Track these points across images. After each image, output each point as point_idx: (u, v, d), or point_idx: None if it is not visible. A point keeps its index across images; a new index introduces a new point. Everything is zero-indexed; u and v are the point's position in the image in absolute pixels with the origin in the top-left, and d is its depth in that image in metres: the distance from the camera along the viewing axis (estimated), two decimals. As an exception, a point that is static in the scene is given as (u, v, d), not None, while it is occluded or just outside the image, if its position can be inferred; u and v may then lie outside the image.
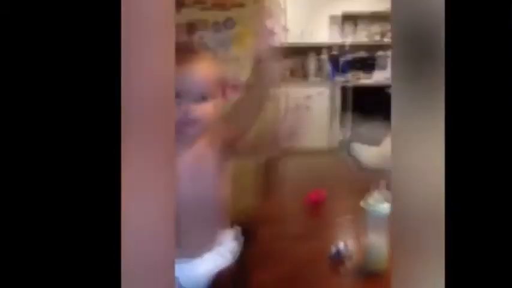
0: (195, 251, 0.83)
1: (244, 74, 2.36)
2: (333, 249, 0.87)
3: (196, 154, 0.81)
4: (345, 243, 0.86)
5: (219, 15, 2.12)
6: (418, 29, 0.46)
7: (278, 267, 0.85)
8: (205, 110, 0.76)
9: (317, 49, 4.34)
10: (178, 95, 0.73)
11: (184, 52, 0.76)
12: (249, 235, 0.96)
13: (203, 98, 0.75)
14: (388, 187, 0.78)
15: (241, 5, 2.11)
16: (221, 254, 0.86)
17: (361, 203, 0.81)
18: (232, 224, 0.93)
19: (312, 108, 4.05)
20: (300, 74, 4.39)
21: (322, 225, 1.06)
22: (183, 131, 0.75)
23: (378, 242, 0.79)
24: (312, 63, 4.35)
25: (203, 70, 0.77)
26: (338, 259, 0.86)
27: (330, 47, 4.30)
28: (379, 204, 0.77)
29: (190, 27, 2.14)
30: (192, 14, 2.12)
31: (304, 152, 3.59)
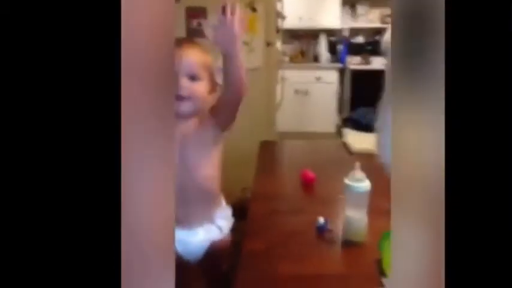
0: (192, 223, 0.96)
1: (253, 58, 2.42)
2: (319, 222, 0.97)
3: (185, 136, 0.92)
4: (326, 218, 0.97)
5: (216, 2, 2.19)
6: (418, 29, 0.46)
7: (269, 237, 0.96)
8: (195, 88, 0.87)
9: (314, 35, 4.35)
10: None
11: (179, 42, 0.88)
12: (243, 211, 1.07)
13: (192, 78, 0.87)
14: (362, 168, 0.88)
15: None
16: (215, 226, 0.99)
17: (344, 182, 0.92)
18: (226, 201, 1.05)
19: (313, 93, 4.09)
20: (301, 59, 4.42)
21: (312, 202, 1.17)
22: (176, 106, 0.87)
23: (356, 215, 0.89)
24: (320, 47, 4.38)
25: (193, 54, 0.89)
26: (323, 230, 0.96)
27: (336, 31, 4.31)
28: (356, 183, 0.87)
29: (189, 15, 2.21)
30: (190, 1, 2.19)
31: (303, 136, 3.67)
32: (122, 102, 0.43)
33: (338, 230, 0.95)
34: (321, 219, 0.98)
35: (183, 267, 1.00)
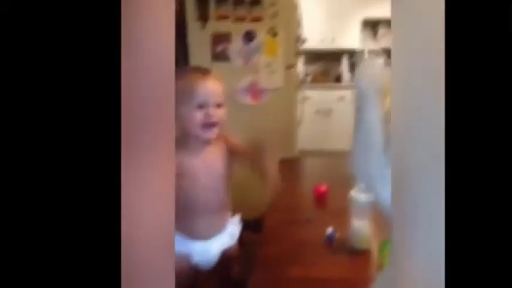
0: (207, 234, 1.07)
1: (274, 79, 2.55)
2: (327, 232, 1.06)
3: (208, 157, 1.05)
4: (333, 228, 1.05)
5: (241, 28, 2.34)
6: (418, 31, 0.46)
7: (282, 244, 1.06)
8: (221, 114, 1.00)
9: (336, 56, 4.46)
10: (200, 105, 0.97)
11: (201, 72, 1.01)
12: (259, 224, 1.18)
13: (218, 105, 0.99)
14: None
15: (259, 19, 2.33)
16: (226, 235, 1.09)
17: (348, 195, 1.01)
18: (234, 213, 1.16)
19: (335, 112, 4.16)
20: (323, 78, 4.53)
21: (323, 213, 1.26)
22: (206, 132, 0.99)
23: (360, 224, 0.98)
24: (342, 67, 4.48)
25: (216, 84, 1.01)
26: (331, 239, 1.05)
27: (357, 52, 4.41)
28: (359, 195, 0.96)
29: (215, 40, 2.37)
30: (215, 28, 2.35)
31: (324, 154, 3.73)
32: (122, 113, 0.43)
33: (345, 238, 1.04)
34: (330, 229, 1.07)
35: (198, 275, 1.10)
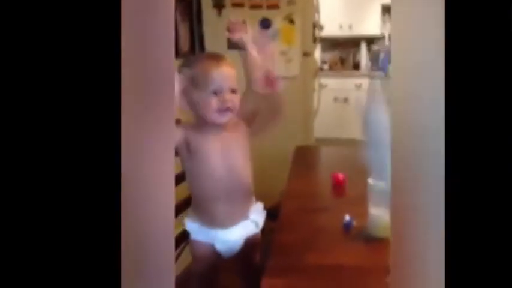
0: (229, 221, 1.07)
1: (290, 67, 2.53)
2: (345, 220, 1.05)
3: (226, 142, 1.04)
4: (351, 216, 1.04)
5: (257, 15, 2.32)
6: (417, 31, 0.46)
7: (298, 232, 1.05)
8: (235, 99, 0.99)
9: (355, 43, 4.38)
10: (216, 90, 0.97)
11: (216, 59, 1.00)
12: (277, 211, 1.17)
13: (233, 91, 0.99)
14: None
15: (276, 6, 2.30)
16: (250, 222, 1.09)
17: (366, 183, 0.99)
18: (265, 204, 1.16)
19: (353, 100, 4.10)
20: (341, 66, 4.46)
21: (340, 202, 1.24)
22: (221, 117, 0.99)
23: (378, 212, 0.97)
24: (360, 55, 4.41)
25: (230, 70, 1.01)
26: (349, 227, 1.04)
27: (377, 39, 4.32)
28: (377, 183, 0.95)
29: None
30: (231, 15, 2.34)
31: (341, 142, 3.70)
32: (122, 101, 0.44)
33: (363, 227, 1.02)
34: (347, 217, 1.05)
35: (218, 262, 1.11)
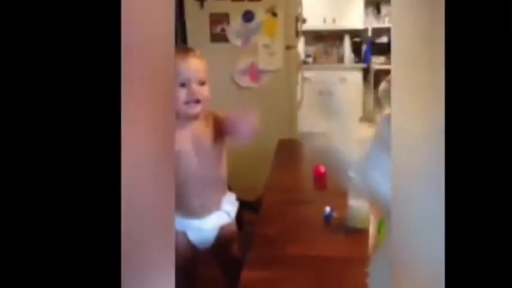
0: (202, 211, 1.07)
1: (273, 60, 2.51)
2: (325, 212, 1.06)
3: (197, 134, 1.04)
4: (331, 207, 1.05)
5: (239, 8, 2.30)
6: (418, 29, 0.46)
7: (280, 224, 1.06)
8: (204, 92, 0.99)
9: (338, 36, 4.40)
10: (184, 83, 0.97)
11: (183, 51, 1.00)
12: (258, 205, 1.18)
13: (201, 83, 0.99)
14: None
15: None
16: (223, 212, 1.10)
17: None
18: (240, 193, 1.16)
19: (337, 93, 4.11)
20: (325, 59, 4.48)
21: (321, 194, 1.25)
22: (190, 108, 0.99)
23: (358, 204, 0.98)
24: (344, 48, 4.43)
25: (199, 62, 1.01)
26: (329, 219, 1.05)
27: (360, 32, 4.34)
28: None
29: (213, 20, 2.33)
30: (213, 7, 2.31)
31: (322, 135, 3.71)
32: (122, 96, 0.44)
33: (343, 218, 1.04)
34: (328, 209, 1.06)
35: (195, 255, 1.11)
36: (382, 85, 0.63)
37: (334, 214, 1.06)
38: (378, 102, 0.69)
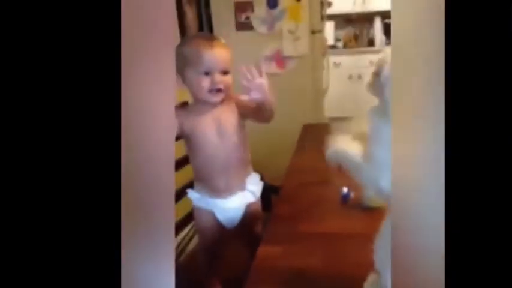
0: (227, 191, 1.12)
1: (299, 46, 2.52)
2: (342, 192, 1.09)
3: (219, 117, 1.09)
4: (348, 188, 1.08)
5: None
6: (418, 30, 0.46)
7: (297, 203, 1.10)
8: (227, 81, 1.04)
9: (369, 18, 4.29)
10: (207, 71, 1.01)
11: (208, 40, 1.04)
12: (277, 189, 1.22)
13: (224, 72, 1.03)
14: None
15: None
16: (248, 192, 1.15)
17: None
18: (265, 176, 1.20)
19: (367, 77, 4.03)
20: (355, 43, 4.39)
21: (341, 175, 1.27)
22: (213, 97, 1.05)
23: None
24: (374, 30, 4.32)
25: (223, 51, 1.05)
26: (346, 198, 1.08)
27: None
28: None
29: (238, 8, 2.36)
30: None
31: (350, 119, 3.66)
32: (122, 22, 0.44)
33: (360, 198, 1.06)
34: (345, 189, 1.09)
35: (221, 233, 1.17)
36: (370, 78, 0.63)
37: (351, 194, 1.08)
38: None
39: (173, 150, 0.52)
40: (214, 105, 1.08)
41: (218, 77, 1.03)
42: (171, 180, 0.50)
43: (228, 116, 1.10)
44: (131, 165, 0.46)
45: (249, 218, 1.16)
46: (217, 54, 1.03)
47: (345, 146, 0.75)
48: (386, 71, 0.58)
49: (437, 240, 0.44)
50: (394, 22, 0.48)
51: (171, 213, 0.52)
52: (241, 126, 1.12)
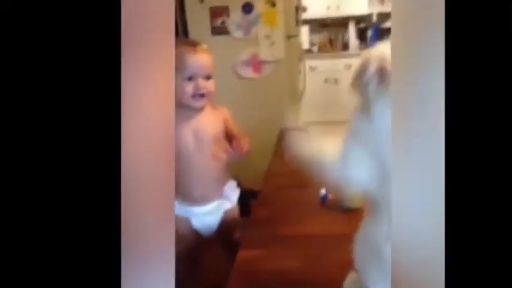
0: (204, 199, 1.12)
1: (274, 50, 2.52)
2: (321, 193, 1.10)
3: (198, 127, 1.08)
4: (326, 189, 1.09)
5: (238, 0, 2.32)
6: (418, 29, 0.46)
7: (276, 206, 1.10)
8: (210, 86, 1.03)
9: (343, 23, 4.38)
10: (191, 77, 1.01)
11: (191, 46, 1.03)
12: (255, 193, 1.22)
13: (207, 77, 1.03)
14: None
15: None
16: (225, 199, 1.14)
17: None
18: (242, 181, 1.20)
19: (343, 81, 4.09)
20: (330, 48, 4.46)
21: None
22: (196, 102, 1.03)
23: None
24: (349, 35, 4.40)
25: (206, 57, 1.04)
26: (325, 200, 1.09)
27: (365, 17, 4.31)
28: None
29: (213, 14, 2.36)
30: (213, 1, 2.34)
31: (331, 125, 3.72)
32: (122, 26, 0.44)
33: (338, 199, 1.07)
34: (323, 191, 1.10)
35: (198, 241, 1.16)
36: (352, 78, 0.64)
37: (330, 195, 1.09)
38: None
39: (173, 153, 0.52)
40: (194, 113, 1.08)
41: (201, 82, 1.03)
42: (171, 183, 0.50)
43: (207, 126, 1.10)
44: (130, 169, 0.46)
45: (226, 224, 1.15)
46: (200, 59, 1.03)
47: (308, 146, 0.75)
48: (370, 69, 0.59)
49: (437, 246, 0.44)
50: (394, 22, 0.48)
51: (170, 214, 0.51)
52: (220, 136, 1.12)
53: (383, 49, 0.59)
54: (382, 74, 0.57)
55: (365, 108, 0.61)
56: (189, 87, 1.03)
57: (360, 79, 0.61)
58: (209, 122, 1.10)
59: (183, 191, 1.10)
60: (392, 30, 0.48)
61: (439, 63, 0.44)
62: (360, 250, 0.69)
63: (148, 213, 0.49)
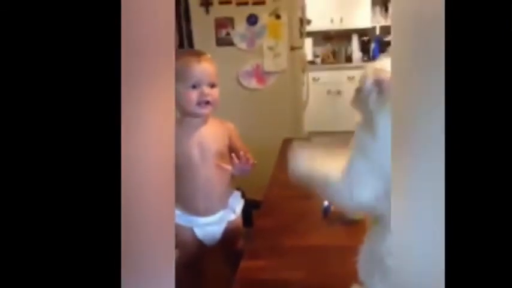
0: (208, 211, 1.12)
1: (278, 61, 2.55)
2: (324, 205, 1.10)
3: (203, 140, 1.09)
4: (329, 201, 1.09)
5: (244, 12, 2.35)
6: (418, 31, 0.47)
7: (279, 217, 1.10)
8: (214, 94, 1.05)
9: (346, 35, 4.43)
10: (196, 85, 1.02)
11: (196, 55, 1.05)
12: (258, 204, 1.22)
13: (212, 85, 1.04)
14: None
15: (263, 2, 2.33)
16: (230, 209, 1.14)
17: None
18: (245, 191, 1.21)
19: (346, 92, 4.11)
20: (333, 59, 4.50)
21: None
22: (201, 109, 1.05)
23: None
24: (352, 47, 4.44)
25: (210, 65, 1.06)
26: (327, 212, 1.09)
27: (368, 30, 4.35)
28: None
29: (219, 25, 2.39)
30: (218, 12, 2.37)
31: (334, 135, 3.73)
32: (122, 45, 0.44)
33: (341, 211, 1.07)
34: (326, 202, 1.10)
35: (201, 250, 1.16)
36: (353, 94, 0.64)
37: (332, 207, 1.09)
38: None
39: (173, 162, 0.52)
40: (199, 124, 1.09)
41: (206, 90, 1.04)
42: (171, 193, 0.51)
43: (212, 138, 1.10)
44: (131, 178, 0.46)
45: (229, 234, 1.15)
46: (205, 67, 1.05)
47: (311, 163, 0.75)
48: (368, 83, 0.60)
49: (437, 259, 0.45)
50: (394, 35, 0.48)
51: (171, 224, 0.51)
52: (224, 150, 1.12)
53: (381, 62, 0.61)
54: (380, 84, 0.58)
55: (368, 124, 0.61)
56: (194, 95, 1.04)
57: (359, 93, 0.62)
58: (214, 134, 1.11)
59: (188, 204, 1.11)
60: (392, 43, 0.49)
61: (439, 74, 0.44)
62: (364, 262, 0.69)
63: (149, 223, 0.49)
